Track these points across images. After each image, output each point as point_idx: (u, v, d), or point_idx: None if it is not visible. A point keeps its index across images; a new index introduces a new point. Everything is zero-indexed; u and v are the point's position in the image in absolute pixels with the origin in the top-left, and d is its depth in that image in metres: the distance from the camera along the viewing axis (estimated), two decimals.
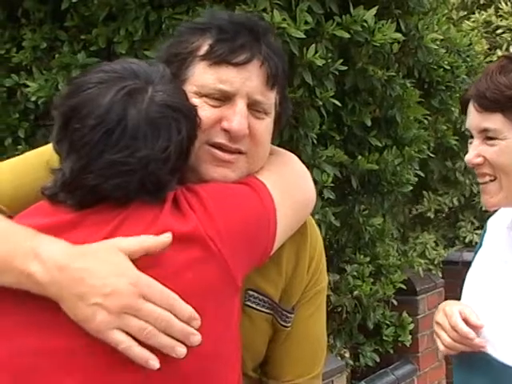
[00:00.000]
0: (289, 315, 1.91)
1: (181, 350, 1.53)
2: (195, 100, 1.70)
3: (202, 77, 1.71)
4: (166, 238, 1.55)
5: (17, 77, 3.96)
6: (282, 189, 1.78)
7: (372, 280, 4.82)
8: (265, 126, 1.76)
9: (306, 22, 3.57)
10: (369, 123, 4.26)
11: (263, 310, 1.87)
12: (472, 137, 2.06)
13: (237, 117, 1.69)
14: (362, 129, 4.28)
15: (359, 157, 4.21)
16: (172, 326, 1.52)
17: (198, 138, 1.68)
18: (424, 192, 6.03)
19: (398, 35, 3.94)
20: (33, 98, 3.79)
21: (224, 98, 1.71)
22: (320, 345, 2.01)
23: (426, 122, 4.84)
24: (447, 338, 2.05)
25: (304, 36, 3.53)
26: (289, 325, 1.91)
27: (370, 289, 4.76)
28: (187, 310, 1.54)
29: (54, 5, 3.90)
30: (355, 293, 4.70)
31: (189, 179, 1.72)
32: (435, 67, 4.87)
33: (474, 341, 1.99)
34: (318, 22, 3.74)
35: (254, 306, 1.85)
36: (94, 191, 1.59)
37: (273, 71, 1.74)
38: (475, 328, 2.01)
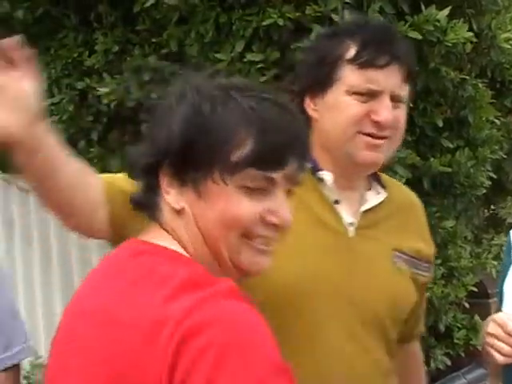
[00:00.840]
0: (427, 265, 2.17)
1: None
2: (346, 98, 1.98)
3: (351, 78, 1.99)
4: None
5: (88, 80, 4.01)
6: None
7: (443, 282, 4.76)
8: (402, 114, 2.04)
9: None
10: (440, 124, 4.22)
11: (407, 267, 2.11)
12: None
13: (384, 111, 1.97)
14: (433, 130, 4.25)
15: (431, 158, 4.17)
16: None
17: (351, 128, 1.97)
18: (508, 197, 5.91)
19: (471, 35, 3.90)
20: (105, 101, 3.84)
21: (371, 95, 1.98)
22: None
23: (498, 122, 4.78)
24: (505, 347, 2.04)
25: None
26: (429, 274, 2.19)
27: (442, 291, 4.70)
28: None
29: (126, 9, 3.95)
30: (427, 295, 4.64)
31: (343, 163, 2.01)
32: (508, 67, 4.81)
33: None
34: (389, 23, 3.72)
35: (399, 263, 2.08)
36: None
37: (408, 68, 2.02)
38: None
